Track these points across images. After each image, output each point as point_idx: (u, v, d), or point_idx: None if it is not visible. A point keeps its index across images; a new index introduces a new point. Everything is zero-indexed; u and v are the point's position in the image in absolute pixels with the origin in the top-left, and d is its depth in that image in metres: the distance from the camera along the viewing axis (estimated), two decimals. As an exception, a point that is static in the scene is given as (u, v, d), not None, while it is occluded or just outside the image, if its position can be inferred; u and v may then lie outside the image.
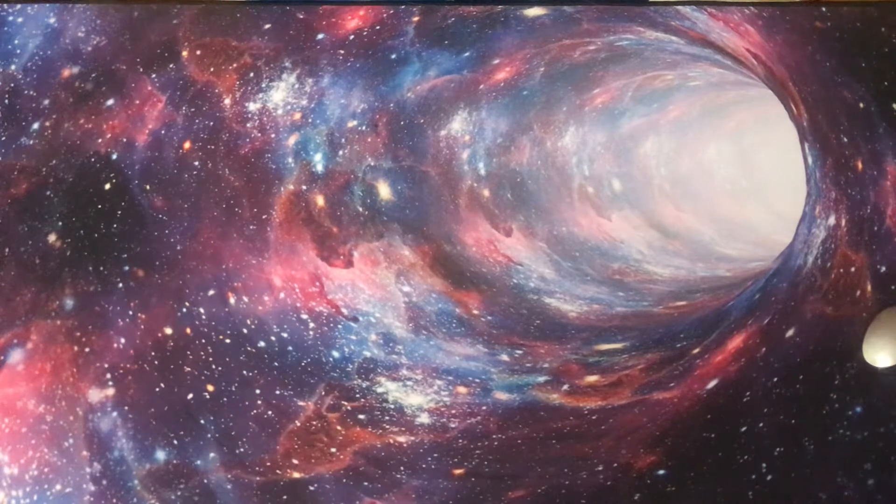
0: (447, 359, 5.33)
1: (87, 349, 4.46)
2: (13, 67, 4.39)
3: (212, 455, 4.52)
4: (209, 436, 4.54)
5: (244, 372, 4.78)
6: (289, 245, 5.37)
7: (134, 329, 4.59)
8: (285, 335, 5.06)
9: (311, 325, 5.22)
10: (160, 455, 4.46)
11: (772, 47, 4.39)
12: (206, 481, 4.46)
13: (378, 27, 5.13)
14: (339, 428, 4.78)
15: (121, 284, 4.60)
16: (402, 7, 5.07)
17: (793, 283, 4.61)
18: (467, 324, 5.74)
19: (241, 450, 4.56)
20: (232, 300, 4.97)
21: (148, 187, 4.76)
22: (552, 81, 6.78)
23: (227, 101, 5.03)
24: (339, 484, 4.51)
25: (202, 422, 4.57)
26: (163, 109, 4.78)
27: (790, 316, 4.37)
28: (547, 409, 4.92)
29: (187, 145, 4.91)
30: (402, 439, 4.73)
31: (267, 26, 4.88)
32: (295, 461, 4.60)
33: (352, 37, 5.12)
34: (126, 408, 4.46)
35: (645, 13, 4.93)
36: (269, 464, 4.57)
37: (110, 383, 4.47)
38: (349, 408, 4.88)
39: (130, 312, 4.60)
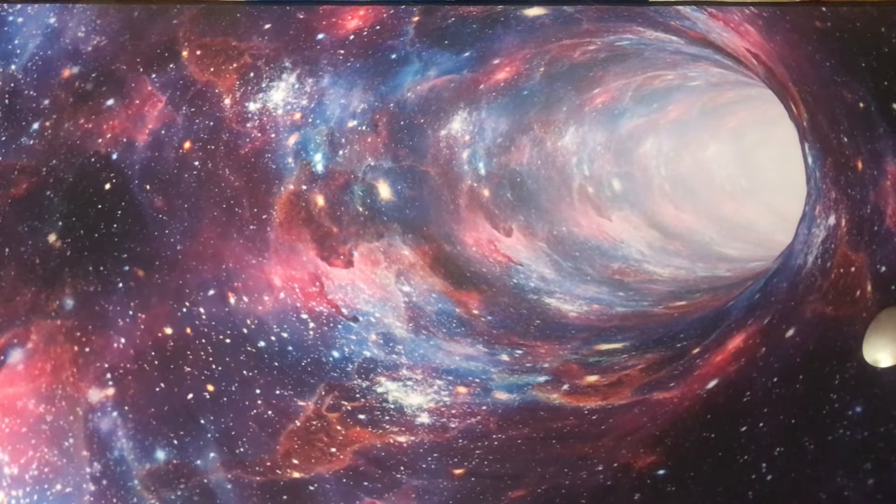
0: (447, 359, 5.32)
1: (87, 349, 4.46)
2: (13, 67, 4.39)
3: (212, 455, 4.51)
4: (209, 436, 4.54)
5: (244, 372, 4.78)
6: (289, 245, 5.37)
7: (134, 329, 4.59)
8: (285, 335, 5.06)
9: (311, 325, 5.21)
10: (160, 455, 4.46)
11: (772, 47, 4.39)
12: (206, 481, 4.46)
13: (378, 27, 5.13)
14: (339, 428, 4.77)
15: (121, 284, 4.59)
16: (402, 7, 5.07)
17: (793, 283, 4.61)
18: (467, 324, 5.74)
19: (241, 450, 4.56)
20: (232, 300, 4.97)
21: (148, 187, 4.76)
22: (552, 81, 6.78)
23: (227, 101, 5.03)
24: (339, 484, 4.51)
25: (202, 422, 4.57)
26: (163, 109, 4.78)
27: (790, 316, 4.37)
28: (547, 409, 4.91)
29: (187, 145, 4.91)
30: (402, 439, 4.73)
31: (267, 26, 4.88)
32: (295, 461, 4.60)
33: (352, 37, 5.12)
34: (126, 408, 4.46)
35: (645, 13, 4.93)
36: (269, 464, 4.57)
37: (110, 383, 4.47)
38: (349, 408, 4.88)
39: (130, 312, 4.59)
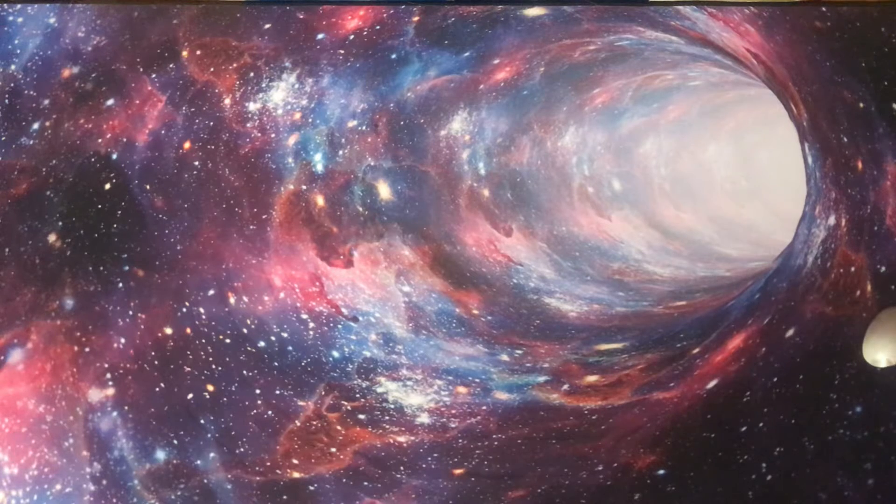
0: (447, 359, 5.32)
1: (87, 349, 4.46)
2: (13, 67, 4.39)
3: (212, 455, 4.52)
4: (209, 436, 4.54)
5: (244, 372, 4.78)
6: (289, 245, 5.37)
7: (134, 329, 4.59)
8: (285, 335, 5.06)
9: (311, 325, 5.21)
10: (160, 455, 4.46)
11: (772, 47, 4.39)
12: (206, 481, 4.46)
13: (378, 27, 5.13)
14: (339, 428, 4.78)
15: (121, 284, 4.60)
16: (402, 7, 5.07)
17: (793, 283, 4.61)
18: (467, 324, 5.74)
19: (241, 450, 4.56)
20: (232, 300, 4.97)
21: (148, 187, 4.76)
22: (552, 81, 6.78)
23: (227, 101, 5.03)
24: (339, 484, 4.51)
25: (202, 422, 4.57)
26: (163, 109, 4.78)
27: (790, 316, 4.37)
28: (547, 409, 4.92)
29: (187, 145, 4.91)
30: (402, 439, 4.73)
31: (267, 26, 4.88)
32: (295, 461, 4.60)
33: (352, 37, 5.12)
34: (126, 408, 4.46)
35: (645, 13, 4.93)
36: (269, 464, 4.57)
37: (110, 383, 4.47)
38: (349, 408, 4.88)
39: (130, 312, 4.59)
